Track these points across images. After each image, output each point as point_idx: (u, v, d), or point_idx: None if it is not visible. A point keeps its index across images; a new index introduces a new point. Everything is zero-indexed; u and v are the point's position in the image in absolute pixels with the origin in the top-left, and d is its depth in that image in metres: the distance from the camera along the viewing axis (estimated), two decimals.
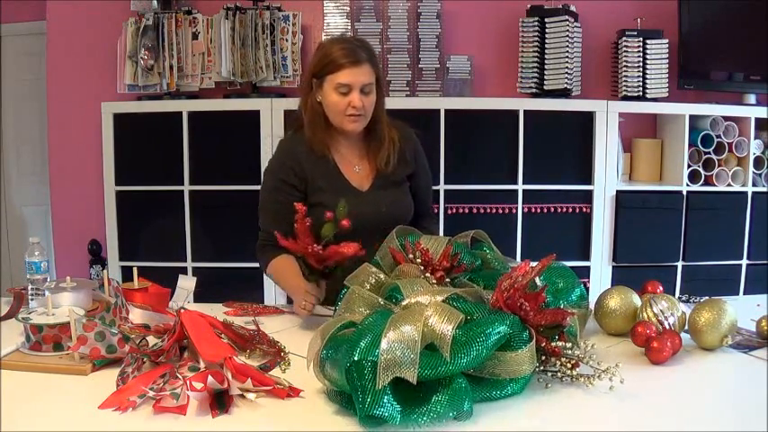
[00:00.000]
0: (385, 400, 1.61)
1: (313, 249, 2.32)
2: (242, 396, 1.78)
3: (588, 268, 4.62)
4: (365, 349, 1.66)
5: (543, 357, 1.90)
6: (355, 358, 1.65)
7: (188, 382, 1.74)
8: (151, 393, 1.75)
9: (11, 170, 5.60)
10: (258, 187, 4.38)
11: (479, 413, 1.71)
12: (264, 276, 4.50)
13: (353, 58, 2.56)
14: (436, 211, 3.13)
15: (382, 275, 2.18)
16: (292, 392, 1.82)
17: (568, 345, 1.93)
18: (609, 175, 4.57)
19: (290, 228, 2.43)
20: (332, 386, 1.78)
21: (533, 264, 1.98)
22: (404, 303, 1.92)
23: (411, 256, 2.24)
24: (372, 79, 2.60)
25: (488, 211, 4.50)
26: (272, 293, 4.55)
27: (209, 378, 1.74)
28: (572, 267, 4.43)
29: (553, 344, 1.91)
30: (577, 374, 1.89)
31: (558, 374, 1.91)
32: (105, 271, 2.46)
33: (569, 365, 1.90)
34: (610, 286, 2.54)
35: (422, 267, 2.19)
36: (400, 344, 1.65)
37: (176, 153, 4.56)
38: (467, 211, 4.40)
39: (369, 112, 2.64)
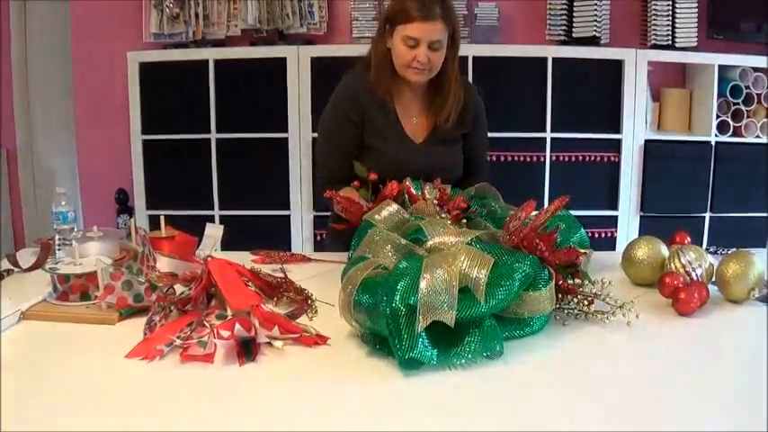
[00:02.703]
0: (420, 343, 1.66)
1: (369, 209, 2.32)
2: (269, 344, 1.79)
3: (616, 218, 4.60)
4: (403, 294, 1.69)
5: (559, 296, 1.94)
6: (396, 304, 1.67)
7: (215, 330, 1.75)
8: (178, 342, 1.76)
9: (37, 121, 5.61)
10: (285, 135, 4.45)
11: (505, 351, 1.74)
12: (291, 223, 4.55)
13: (425, 12, 2.53)
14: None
15: (404, 212, 2.20)
16: (320, 340, 1.83)
17: (584, 282, 1.99)
18: (637, 124, 4.53)
19: (350, 165, 2.64)
20: (362, 329, 1.80)
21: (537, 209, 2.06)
22: (428, 245, 1.95)
23: (427, 195, 2.31)
24: (443, 36, 2.57)
25: (516, 159, 4.48)
26: (300, 241, 4.57)
27: (237, 326, 1.75)
28: (599, 216, 4.48)
29: (569, 282, 1.97)
30: (594, 311, 1.93)
31: (575, 312, 1.96)
32: (132, 220, 2.46)
33: (586, 303, 1.94)
34: (637, 236, 2.52)
35: (437, 206, 2.24)
36: (437, 288, 1.69)
37: (203, 101, 4.55)
38: (494, 159, 4.38)
39: (435, 67, 2.63)
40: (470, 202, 2.31)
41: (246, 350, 1.75)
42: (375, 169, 2.54)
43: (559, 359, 1.77)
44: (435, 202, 2.25)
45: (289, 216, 4.62)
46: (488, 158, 2.95)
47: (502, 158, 4.42)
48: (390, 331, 1.67)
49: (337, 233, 2.71)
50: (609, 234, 4.59)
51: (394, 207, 2.20)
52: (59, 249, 2.43)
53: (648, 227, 4.54)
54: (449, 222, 2.12)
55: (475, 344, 1.70)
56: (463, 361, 1.68)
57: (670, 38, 4.50)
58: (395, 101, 2.72)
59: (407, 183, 2.39)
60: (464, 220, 2.21)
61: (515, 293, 1.77)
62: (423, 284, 1.69)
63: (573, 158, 4.54)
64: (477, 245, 1.88)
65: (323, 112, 2.81)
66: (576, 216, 2.31)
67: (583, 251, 2.09)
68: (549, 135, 4.53)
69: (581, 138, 4.54)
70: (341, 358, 1.76)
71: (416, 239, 2.01)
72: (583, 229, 2.31)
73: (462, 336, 1.71)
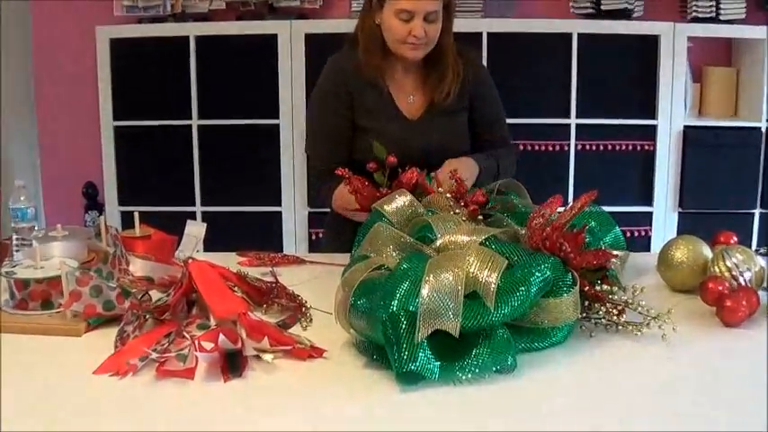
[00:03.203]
0: (421, 355, 1.66)
1: (381, 194, 2.35)
2: (257, 357, 1.78)
3: (650, 214, 4.59)
4: (402, 299, 1.69)
5: (586, 303, 1.93)
6: (393, 309, 1.68)
7: (196, 341, 1.75)
8: (154, 355, 1.75)
9: None
10: (276, 121, 4.44)
11: (520, 365, 1.74)
12: (283, 221, 4.55)
13: None
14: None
15: (418, 205, 2.19)
16: (315, 353, 1.83)
17: (614, 289, 1.96)
18: (675, 108, 4.52)
19: (343, 152, 2.74)
20: (360, 337, 1.81)
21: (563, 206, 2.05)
22: (437, 244, 1.96)
23: (440, 188, 2.29)
24: (438, 7, 2.61)
25: (536, 148, 4.49)
26: (293, 241, 4.57)
27: (221, 337, 1.75)
28: (632, 213, 4.46)
29: (597, 288, 1.94)
30: (624, 322, 1.92)
31: (603, 322, 1.95)
32: (102, 217, 2.45)
33: (615, 312, 1.92)
34: (675, 235, 2.52)
35: (451, 201, 2.23)
36: (441, 293, 1.69)
37: (183, 83, 4.55)
38: None
39: (432, 41, 2.67)
40: (490, 197, 2.30)
41: (232, 364, 1.74)
42: (368, 153, 2.55)
43: (581, 375, 1.76)
44: (449, 195, 2.24)
45: (280, 213, 4.63)
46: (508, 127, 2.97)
47: (520, 148, 4.40)
48: (388, 340, 1.67)
49: (336, 232, 2.73)
50: (643, 233, 4.58)
51: (407, 198, 2.19)
52: (17, 251, 2.43)
53: (688, 225, 4.53)
54: (463, 219, 2.11)
55: (484, 356, 1.69)
56: (469, 375, 1.68)
57: (714, 9, 4.47)
58: (387, 79, 2.77)
59: (415, 171, 2.39)
60: (481, 217, 2.20)
61: (532, 300, 1.77)
62: (425, 288, 1.70)
63: (601, 147, 4.52)
64: (493, 245, 1.88)
65: (310, 103, 2.87)
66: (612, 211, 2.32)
67: (616, 253, 2.08)
68: (573, 121, 4.52)
69: (610, 124, 4.53)
70: (337, 371, 1.76)
71: (425, 237, 2.02)
72: (617, 228, 2.31)
73: (470, 347, 1.71)
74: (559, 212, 2.02)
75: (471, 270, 1.74)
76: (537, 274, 1.77)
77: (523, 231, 2.01)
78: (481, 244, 1.88)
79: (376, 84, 2.73)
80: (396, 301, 1.69)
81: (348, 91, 2.73)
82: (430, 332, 1.66)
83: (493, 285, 1.71)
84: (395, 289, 1.71)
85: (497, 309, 1.70)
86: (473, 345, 1.71)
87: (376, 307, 1.71)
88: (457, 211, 2.17)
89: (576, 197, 2.07)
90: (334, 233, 2.86)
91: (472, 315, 1.70)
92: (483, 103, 2.86)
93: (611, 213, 2.34)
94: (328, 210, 2.87)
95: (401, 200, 2.19)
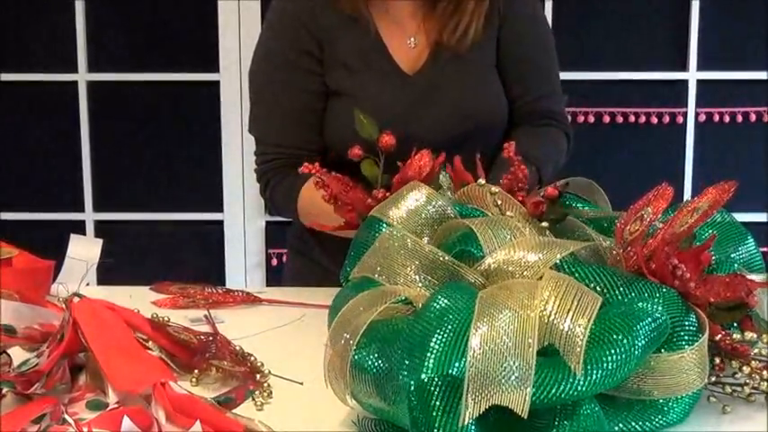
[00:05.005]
0: None
1: (376, 198, 2.32)
2: None
3: None
4: (440, 356, 1.64)
5: (716, 361, 1.90)
6: (425, 373, 1.62)
7: (85, 428, 1.71)
8: None
9: None
10: (214, 76, 4.43)
11: None
12: (226, 236, 4.54)
13: None
14: None
15: (442, 202, 2.16)
16: None
17: (763, 338, 1.91)
18: None
19: (311, 134, 2.78)
20: (367, 412, 1.78)
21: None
22: (485, 265, 1.91)
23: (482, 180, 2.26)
24: None
25: (631, 120, 4.50)
26: (241, 265, 4.55)
27: (125, 422, 1.71)
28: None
29: (734, 337, 1.90)
30: None
31: (744, 390, 1.91)
32: None
33: (764, 375, 1.89)
34: None
35: (498, 197, 2.20)
36: (500, 347, 1.63)
37: (65, 18, 4.57)
38: (592, 119, 4.41)
39: None
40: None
41: None
42: (347, 132, 2.49)
43: None
44: (497, 189, 2.20)
45: (221, 223, 4.67)
46: (561, 90, 2.95)
47: (605, 119, 4.41)
48: (415, 421, 1.62)
49: (306, 254, 2.71)
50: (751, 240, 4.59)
51: (422, 194, 2.16)
52: None
53: None
54: (518, 225, 2.07)
55: None
56: None
57: None
58: (374, 13, 2.74)
59: (427, 156, 2.35)
60: (544, 224, 2.18)
61: (639, 359, 1.71)
62: (475, 339, 1.64)
63: (735, 118, 4.51)
64: (575, 268, 1.84)
65: (254, 59, 2.86)
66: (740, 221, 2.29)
67: (762, 280, 2.05)
68: (693, 75, 4.54)
69: (748, 80, 4.54)
70: None
71: (463, 253, 1.98)
72: (752, 242, 2.29)
73: (540, 430, 1.67)
74: (666, 218, 2.00)
75: (546, 311, 1.69)
76: (646, 318, 1.72)
77: (606, 243, 2.00)
78: (555, 268, 1.84)
79: (358, 18, 2.71)
80: (430, 361, 1.63)
81: (315, 36, 2.73)
82: (484, 408, 1.60)
83: (581, 338, 1.65)
84: (427, 339, 1.66)
85: (587, 373, 1.65)
86: (546, 427, 1.67)
87: (397, 367, 1.66)
88: (509, 213, 2.14)
89: (696, 192, 2.02)
90: (302, 257, 2.89)
91: (548, 382, 1.64)
92: (514, 34, 2.83)
93: (749, 224, 2.32)
94: (291, 220, 2.89)
95: (413, 197, 2.17)
